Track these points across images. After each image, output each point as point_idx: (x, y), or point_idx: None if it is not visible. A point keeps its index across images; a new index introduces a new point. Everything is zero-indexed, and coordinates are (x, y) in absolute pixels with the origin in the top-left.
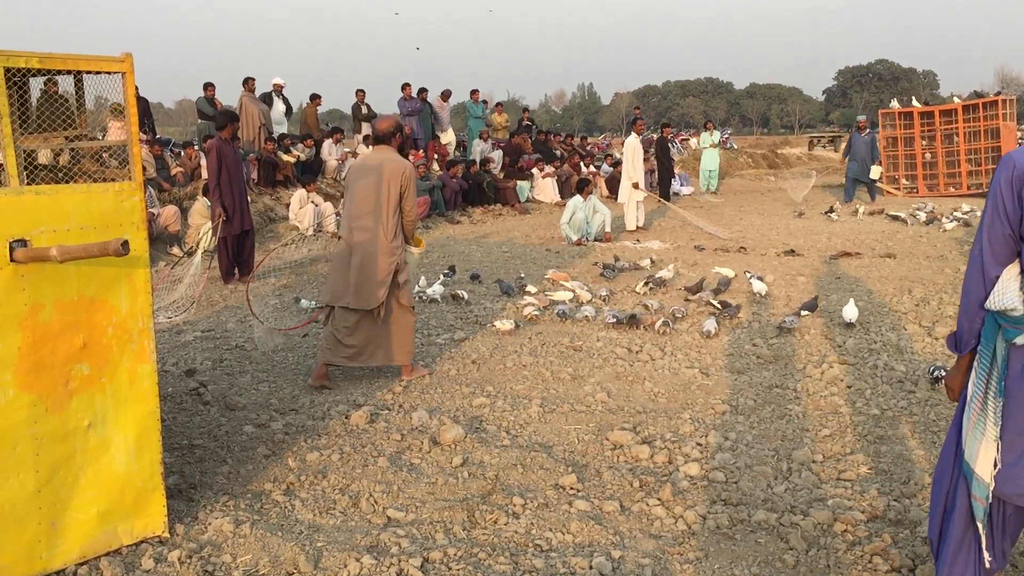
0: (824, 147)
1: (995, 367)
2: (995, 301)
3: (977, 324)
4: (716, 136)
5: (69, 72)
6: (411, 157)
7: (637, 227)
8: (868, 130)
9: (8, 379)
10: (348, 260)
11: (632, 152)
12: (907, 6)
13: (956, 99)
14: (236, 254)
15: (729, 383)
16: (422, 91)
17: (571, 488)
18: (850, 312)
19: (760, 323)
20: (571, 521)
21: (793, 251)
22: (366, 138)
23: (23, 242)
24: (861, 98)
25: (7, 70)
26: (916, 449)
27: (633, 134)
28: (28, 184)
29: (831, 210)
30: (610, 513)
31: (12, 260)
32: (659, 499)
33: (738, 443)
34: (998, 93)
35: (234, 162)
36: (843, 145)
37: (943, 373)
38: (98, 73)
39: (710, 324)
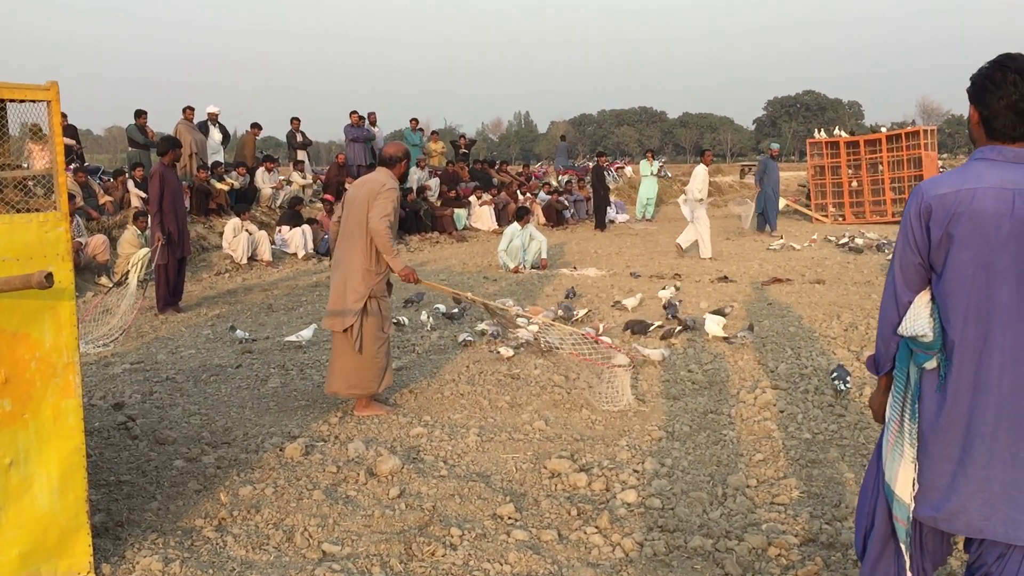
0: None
1: (909, 390)
2: (907, 327)
3: (892, 348)
4: (655, 165)
5: None
6: (346, 184)
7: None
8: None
9: None
10: (333, 282)
11: (701, 181)
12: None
13: (883, 129)
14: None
15: (665, 409)
16: (371, 115)
17: (509, 518)
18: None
19: (695, 348)
20: (509, 551)
21: (726, 277)
22: (298, 164)
23: None
24: (790, 127)
25: None
26: (847, 472)
27: (702, 164)
28: None
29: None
30: (548, 542)
31: None
32: (597, 527)
33: (674, 469)
34: (913, 123)
35: (176, 188)
36: (750, 173)
37: (844, 384)
38: (22, 101)
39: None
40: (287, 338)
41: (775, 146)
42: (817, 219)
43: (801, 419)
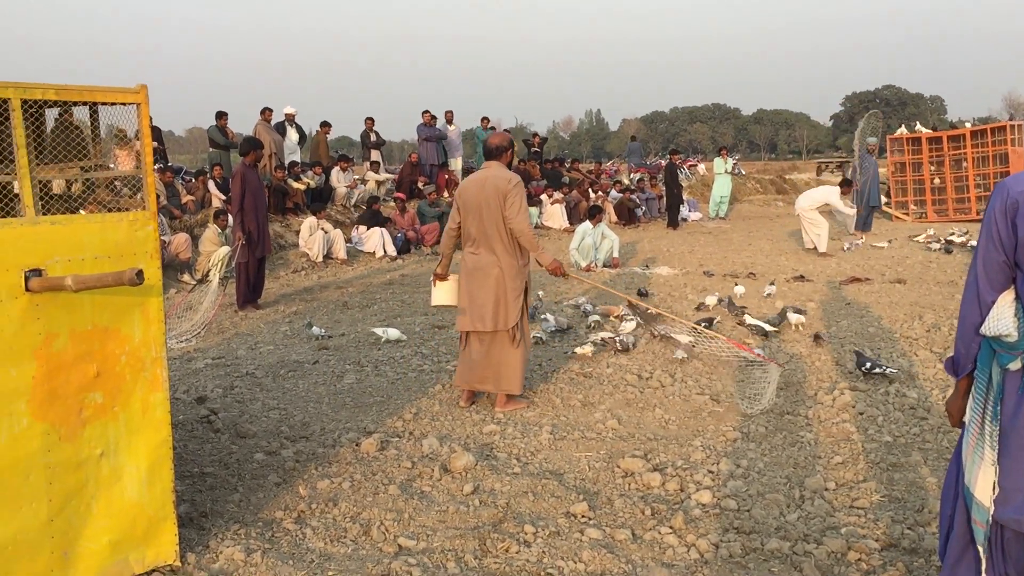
0: (832, 172)
1: (991, 392)
2: (990, 327)
3: (973, 349)
4: (729, 163)
5: (85, 103)
6: (419, 183)
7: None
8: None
9: (22, 408)
10: (474, 284)
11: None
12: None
13: (967, 124)
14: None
15: (740, 410)
16: (448, 113)
17: (583, 516)
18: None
19: (770, 349)
20: (583, 550)
21: (802, 277)
22: (373, 164)
23: (38, 272)
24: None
25: (24, 102)
26: (929, 477)
27: (872, 158)
28: (43, 214)
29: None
30: (622, 541)
31: (27, 290)
32: (671, 527)
33: (750, 470)
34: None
35: (257, 188)
36: (849, 169)
37: (884, 369)
38: (113, 104)
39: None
40: (373, 329)
41: (873, 140)
42: (897, 217)
43: (882, 421)
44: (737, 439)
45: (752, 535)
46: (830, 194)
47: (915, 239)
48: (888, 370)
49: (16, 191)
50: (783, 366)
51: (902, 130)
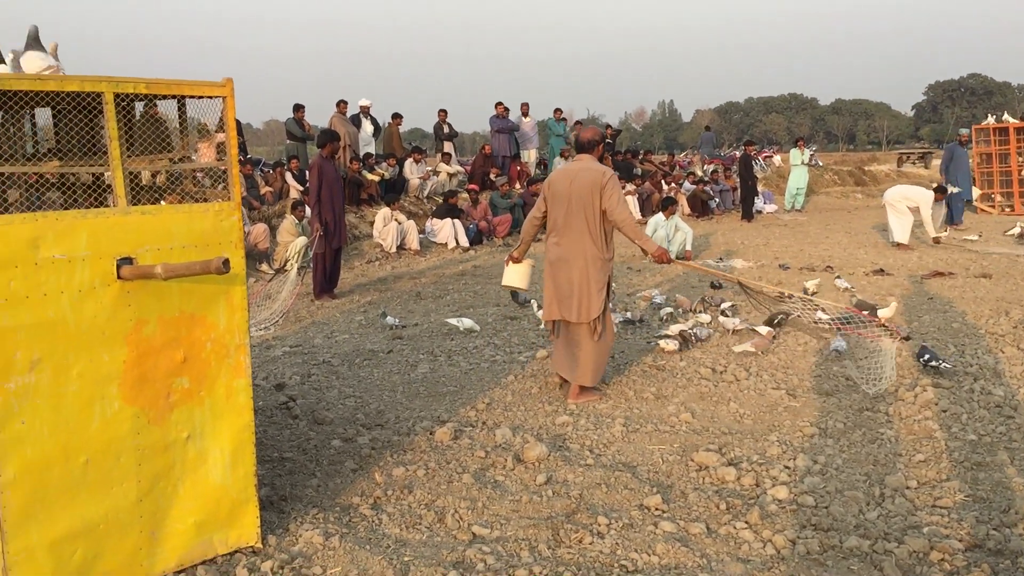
0: (914, 164)
1: None
2: None
3: None
4: (806, 154)
5: (173, 97)
6: (491, 175)
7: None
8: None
9: (113, 392)
10: (559, 274)
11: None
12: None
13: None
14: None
15: (817, 405)
16: (523, 105)
17: (656, 509)
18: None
19: (848, 344)
20: (657, 542)
21: (882, 270)
22: (445, 156)
23: (129, 260)
24: (952, 113)
25: (116, 95)
26: (1016, 477)
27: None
28: (133, 205)
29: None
30: (696, 535)
31: (119, 277)
32: (747, 522)
33: (828, 467)
34: None
35: (334, 179)
36: (908, 161)
37: (940, 363)
38: (200, 97)
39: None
40: (448, 319)
41: (964, 131)
42: (983, 210)
43: (966, 419)
44: (814, 435)
45: (830, 532)
46: (924, 201)
47: (1008, 233)
48: (943, 364)
49: (108, 182)
50: (899, 338)
51: (989, 120)
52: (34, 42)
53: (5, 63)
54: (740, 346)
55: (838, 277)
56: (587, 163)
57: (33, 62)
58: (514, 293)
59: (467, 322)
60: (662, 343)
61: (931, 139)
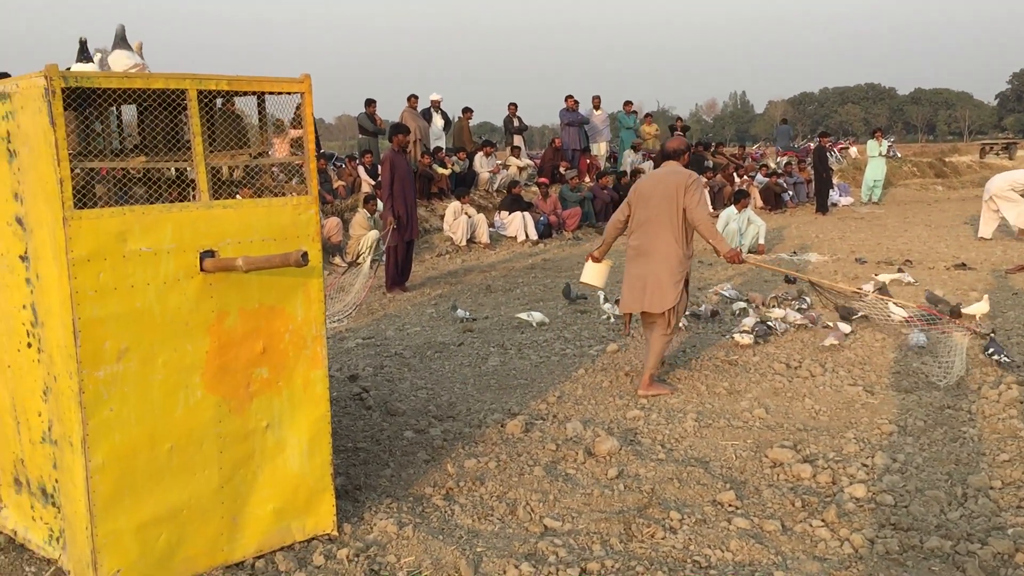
0: (997, 155)
1: None
2: None
3: None
4: (884, 145)
5: (253, 93)
6: (561, 168)
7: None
8: None
9: (197, 381)
10: (638, 267)
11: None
12: None
13: None
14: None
15: (896, 402)
16: (595, 98)
17: (729, 505)
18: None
19: (929, 340)
20: (730, 539)
21: (964, 265)
22: (515, 149)
23: (211, 253)
24: None
25: (199, 92)
26: None
27: None
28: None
29: None
30: (771, 532)
31: (202, 269)
32: (823, 520)
33: (907, 465)
34: None
35: (406, 173)
36: (992, 152)
37: (1001, 356)
38: (279, 94)
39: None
40: (518, 314)
41: None
42: None
43: None
44: (893, 432)
45: (910, 532)
46: None
47: None
48: (1004, 358)
49: (191, 177)
50: (971, 331)
51: None
52: (121, 41)
53: (93, 62)
54: (828, 339)
55: (900, 270)
56: (673, 167)
57: (120, 60)
58: (567, 289)
59: (537, 316)
60: (737, 336)
61: (1015, 129)
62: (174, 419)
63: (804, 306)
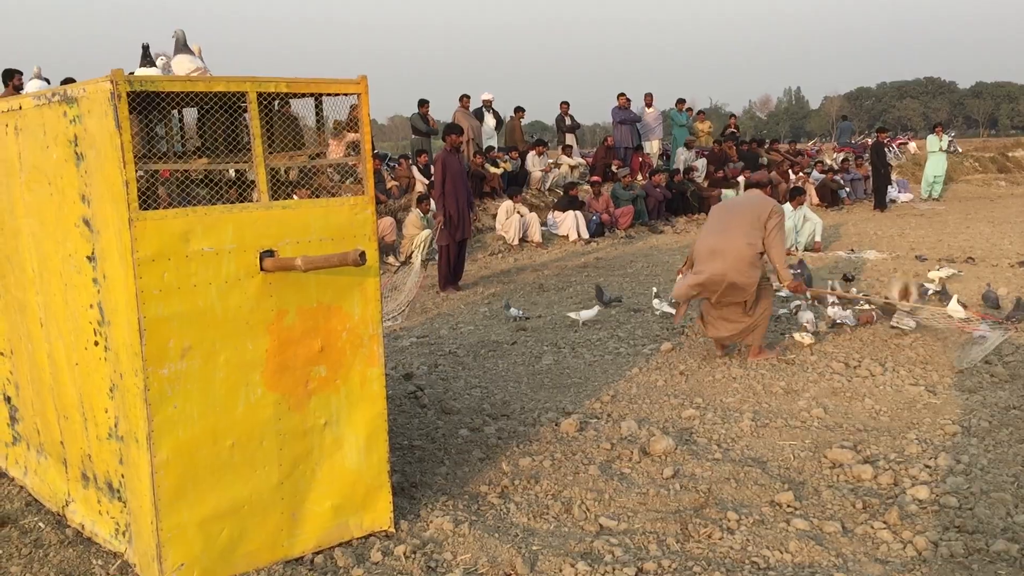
0: None
1: None
2: None
3: None
4: (944, 140)
5: (311, 95)
6: (613, 166)
7: None
8: None
9: (257, 379)
10: (711, 263)
11: None
12: None
13: None
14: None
15: (960, 402)
16: (647, 96)
17: (788, 506)
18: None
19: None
20: (789, 540)
21: None
22: (567, 148)
23: (271, 252)
24: None
25: (258, 94)
26: None
27: None
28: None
29: None
30: (831, 534)
31: (262, 269)
32: (885, 522)
33: (972, 467)
34: None
35: (458, 172)
36: None
37: None
38: (336, 95)
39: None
40: (568, 313)
41: None
42: None
43: None
44: (957, 433)
45: (975, 535)
46: None
47: None
48: None
49: (251, 177)
50: (1011, 327)
51: None
52: (183, 46)
53: (156, 66)
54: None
55: (939, 267)
56: (761, 195)
57: (183, 64)
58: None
59: (586, 314)
60: (797, 336)
61: None
62: (235, 416)
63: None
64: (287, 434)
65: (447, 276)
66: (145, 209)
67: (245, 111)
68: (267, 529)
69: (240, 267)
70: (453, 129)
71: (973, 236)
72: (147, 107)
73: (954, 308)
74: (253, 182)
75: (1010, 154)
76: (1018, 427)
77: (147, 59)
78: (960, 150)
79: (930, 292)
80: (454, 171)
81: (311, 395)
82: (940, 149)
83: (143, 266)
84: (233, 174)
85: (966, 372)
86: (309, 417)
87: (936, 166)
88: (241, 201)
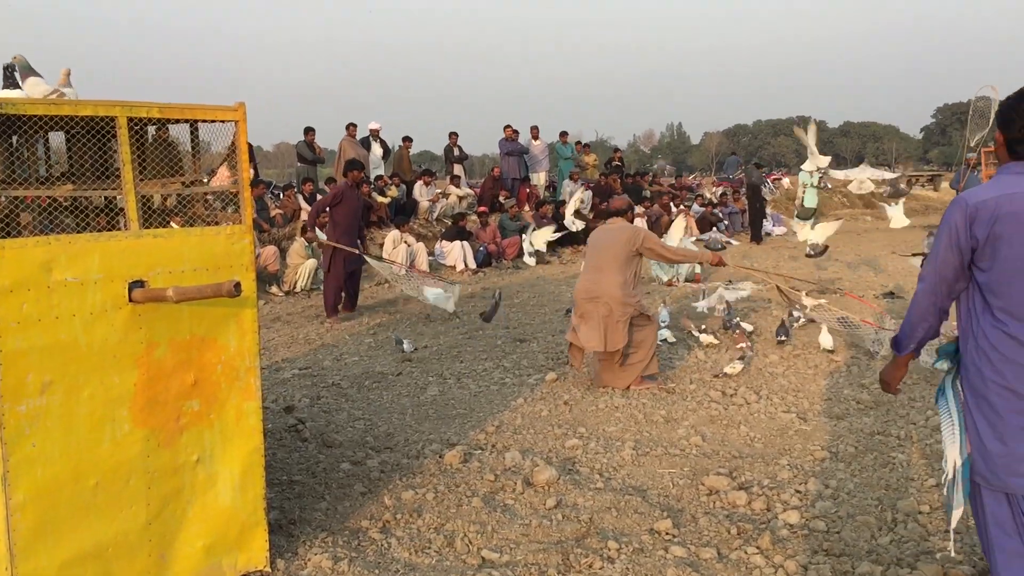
0: (923, 186)
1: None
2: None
3: (919, 334)
4: (816, 177)
5: (186, 121)
6: (501, 197)
7: None
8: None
9: (124, 414)
10: (587, 307)
11: None
12: (1011, 40)
13: None
14: (343, 289)
15: (828, 429)
16: (533, 128)
17: (667, 533)
18: (825, 340)
19: (859, 367)
20: (668, 567)
21: (892, 293)
22: (455, 178)
23: (141, 283)
24: (961, 136)
25: (129, 119)
26: None
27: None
28: (144, 228)
29: None
30: (707, 560)
31: (131, 300)
32: (758, 547)
33: (839, 491)
34: None
35: (356, 207)
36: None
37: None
38: (213, 122)
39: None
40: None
41: (972, 155)
42: None
43: None
44: (825, 459)
45: (842, 558)
46: None
47: None
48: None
49: (120, 205)
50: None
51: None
52: (28, 69)
53: (21, 87)
54: (731, 366)
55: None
56: (620, 223)
57: (37, 87)
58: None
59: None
60: (727, 368)
61: (940, 162)
62: (100, 454)
63: (736, 332)
64: (156, 472)
65: (334, 304)
66: (4, 237)
67: (116, 136)
68: (134, 571)
69: (107, 298)
70: (355, 165)
71: (841, 269)
72: (9, 130)
73: (824, 338)
74: (123, 210)
75: (880, 190)
76: (882, 452)
77: (10, 80)
78: (830, 186)
79: (800, 320)
80: (352, 205)
81: (183, 430)
82: (812, 185)
83: (0, 297)
84: (103, 201)
85: (833, 399)
86: (180, 453)
87: (808, 201)
88: (110, 229)
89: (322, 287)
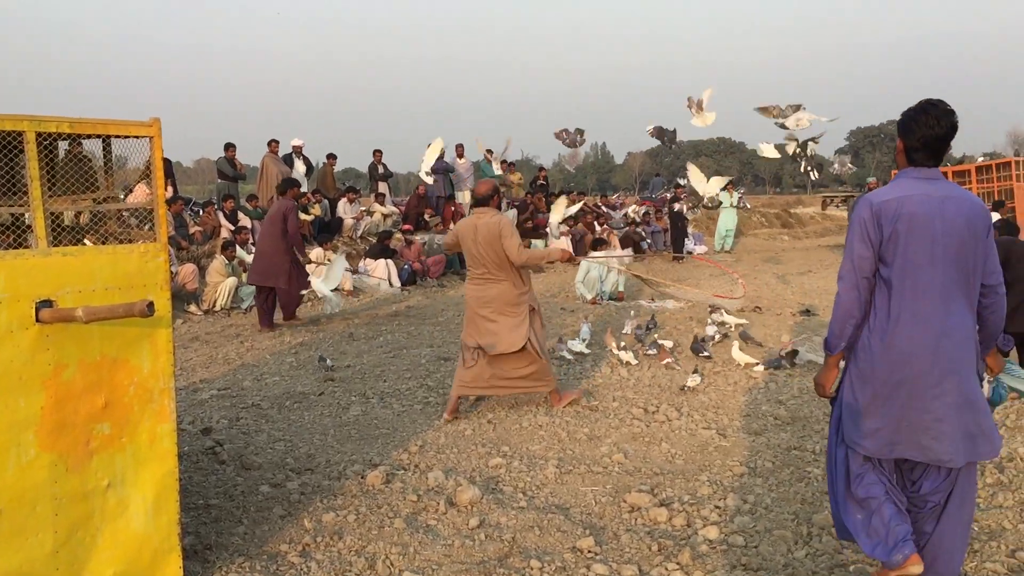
0: (837, 207)
1: None
2: None
3: (848, 331)
4: (735, 197)
5: (98, 136)
6: (426, 215)
7: None
8: None
9: (30, 438)
10: (482, 312)
11: None
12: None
13: (980, 159)
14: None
15: (747, 444)
16: (458, 147)
17: (589, 551)
18: (737, 355)
19: (777, 384)
20: None
21: (809, 311)
22: (380, 196)
23: (49, 303)
24: (873, 158)
25: (38, 134)
26: None
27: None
28: (54, 246)
29: None
30: None
31: (38, 320)
32: (678, 563)
33: (757, 506)
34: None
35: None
36: (832, 204)
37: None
38: (127, 137)
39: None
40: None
41: (872, 179)
42: None
43: None
44: (744, 474)
45: (760, 572)
46: None
47: None
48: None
49: (28, 223)
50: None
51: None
52: None
53: None
54: (691, 379)
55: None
56: (486, 215)
57: None
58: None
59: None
60: (689, 381)
61: (853, 183)
62: (4, 480)
63: (653, 351)
64: (64, 498)
65: (268, 317)
66: None
67: (23, 151)
68: None
69: (12, 318)
70: (293, 183)
71: (760, 287)
72: None
73: (737, 354)
74: (30, 227)
75: (792, 210)
76: (798, 466)
77: None
78: (749, 206)
79: (717, 338)
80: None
81: (93, 455)
82: (731, 204)
83: None
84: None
85: (752, 415)
86: (90, 479)
87: (728, 221)
88: (17, 247)
89: (278, 300)
